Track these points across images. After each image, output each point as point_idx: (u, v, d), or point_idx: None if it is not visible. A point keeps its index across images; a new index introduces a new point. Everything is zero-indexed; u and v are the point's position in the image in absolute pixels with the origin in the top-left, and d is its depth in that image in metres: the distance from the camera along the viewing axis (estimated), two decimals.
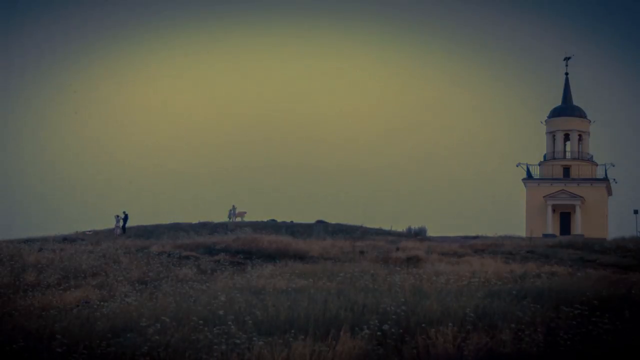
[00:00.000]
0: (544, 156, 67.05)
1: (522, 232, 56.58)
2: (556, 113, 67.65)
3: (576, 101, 68.84)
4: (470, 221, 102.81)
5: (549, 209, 63.94)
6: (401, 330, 15.36)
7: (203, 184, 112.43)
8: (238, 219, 57.71)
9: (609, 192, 65.85)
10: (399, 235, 46.66)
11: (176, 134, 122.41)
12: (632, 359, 14.73)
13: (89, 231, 50.96)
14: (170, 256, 32.23)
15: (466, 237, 46.19)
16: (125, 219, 52.27)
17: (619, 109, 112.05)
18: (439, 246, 36.89)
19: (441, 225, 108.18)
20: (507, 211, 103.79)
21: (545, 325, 15.71)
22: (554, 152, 66.64)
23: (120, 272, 27.71)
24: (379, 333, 15.23)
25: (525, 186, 65.61)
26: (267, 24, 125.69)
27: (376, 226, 50.61)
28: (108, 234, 48.99)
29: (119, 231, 50.34)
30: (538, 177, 66.07)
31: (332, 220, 53.83)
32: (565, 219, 64.25)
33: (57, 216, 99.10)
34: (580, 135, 66.77)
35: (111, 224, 52.17)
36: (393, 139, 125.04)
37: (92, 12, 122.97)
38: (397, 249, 35.03)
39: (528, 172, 65.94)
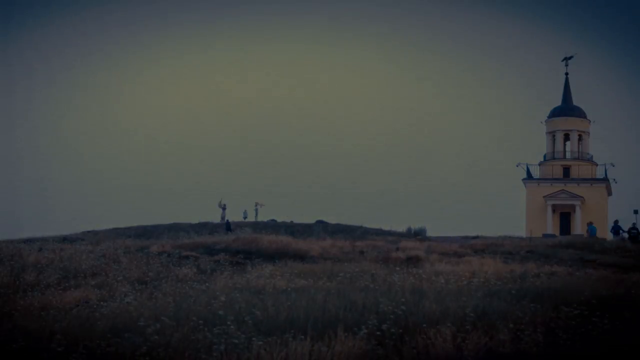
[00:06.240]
0: (544, 156, 67.05)
1: (522, 232, 56.62)
2: (556, 113, 67.66)
3: (576, 101, 68.87)
4: (470, 221, 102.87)
5: (549, 209, 63.94)
6: (400, 330, 15.34)
7: (203, 184, 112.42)
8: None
9: (609, 192, 65.85)
10: (399, 235, 46.53)
11: (176, 134, 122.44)
12: (632, 359, 14.71)
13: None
14: (170, 256, 32.18)
15: (466, 237, 46.07)
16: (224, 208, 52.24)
17: (619, 109, 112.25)
18: (438, 246, 36.81)
19: (441, 225, 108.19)
20: (507, 211, 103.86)
21: (545, 325, 15.69)
22: (553, 152, 66.65)
23: (120, 272, 27.67)
24: (378, 333, 15.21)
25: (525, 186, 65.62)
26: (268, 23, 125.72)
27: (376, 226, 50.52)
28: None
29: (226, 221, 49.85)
30: (538, 177, 66.10)
31: (332, 220, 53.70)
32: (565, 219, 64.28)
33: (57, 216, 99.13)
34: (580, 135, 66.78)
35: (107, 224, 51.78)
36: (393, 139, 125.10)
37: (91, 12, 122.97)
38: (397, 249, 34.94)
39: (528, 172, 65.94)
